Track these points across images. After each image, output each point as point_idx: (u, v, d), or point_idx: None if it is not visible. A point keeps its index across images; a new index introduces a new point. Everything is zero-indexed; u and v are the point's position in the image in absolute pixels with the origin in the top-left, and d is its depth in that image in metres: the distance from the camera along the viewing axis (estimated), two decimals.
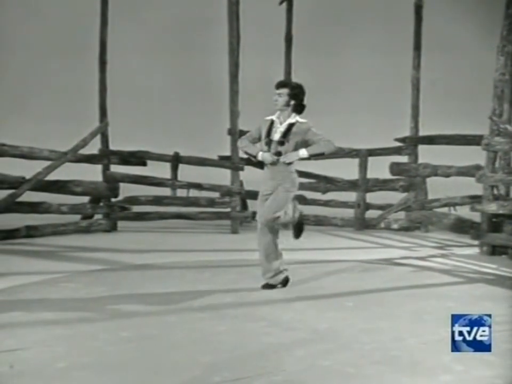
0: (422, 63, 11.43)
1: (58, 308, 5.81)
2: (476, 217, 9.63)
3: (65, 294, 6.33)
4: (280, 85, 6.48)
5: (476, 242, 9.35)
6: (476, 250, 9.25)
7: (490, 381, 4.24)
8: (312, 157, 6.39)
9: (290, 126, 6.45)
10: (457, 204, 10.89)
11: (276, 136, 6.47)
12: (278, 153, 6.44)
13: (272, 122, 6.53)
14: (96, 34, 10.89)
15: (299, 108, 6.50)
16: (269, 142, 6.49)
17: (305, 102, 6.54)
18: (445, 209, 10.98)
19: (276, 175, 6.46)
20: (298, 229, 6.62)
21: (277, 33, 12.63)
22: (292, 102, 6.46)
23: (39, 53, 18.43)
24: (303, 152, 6.39)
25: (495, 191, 9.22)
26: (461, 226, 10.13)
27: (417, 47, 11.42)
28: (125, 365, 4.43)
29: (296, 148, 6.42)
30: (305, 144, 6.43)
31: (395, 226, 11.40)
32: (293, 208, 6.50)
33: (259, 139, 6.60)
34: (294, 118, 6.48)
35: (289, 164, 6.45)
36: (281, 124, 6.50)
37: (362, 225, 11.51)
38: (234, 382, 4.14)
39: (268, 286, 6.59)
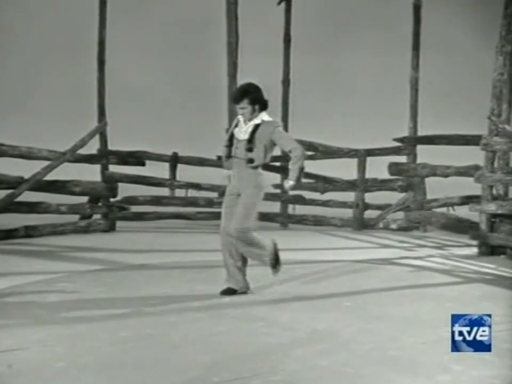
0: (421, 63, 11.45)
1: (57, 307, 5.80)
2: (475, 217, 9.62)
3: (64, 294, 6.33)
4: (237, 100, 6.24)
5: (475, 242, 9.34)
6: (474, 250, 9.25)
7: (489, 381, 4.24)
8: (300, 176, 6.29)
9: (255, 128, 6.25)
10: (455, 204, 10.89)
11: (241, 136, 6.29)
12: (250, 160, 6.25)
13: (238, 122, 6.37)
14: (94, 34, 10.88)
15: (263, 106, 6.30)
16: (231, 139, 6.33)
17: (271, 98, 6.39)
18: (444, 209, 10.98)
19: (242, 178, 6.32)
20: (275, 260, 6.40)
21: (276, 33, 12.63)
22: (257, 107, 6.26)
23: (38, 53, 18.42)
24: (292, 182, 6.27)
25: (494, 191, 9.23)
26: (460, 226, 10.13)
27: (416, 47, 11.44)
28: (124, 365, 4.42)
29: (266, 151, 6.24)
30: (273, 145, 6.28)
31: (394, 226, 11.40)
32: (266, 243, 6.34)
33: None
34: (259, 119, 6.27)
35: (256, 167, 6.26)
36: (245, 123, 6.30)
37: (361, 225, 11.51)
38: (233, 382, 4.14)
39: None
